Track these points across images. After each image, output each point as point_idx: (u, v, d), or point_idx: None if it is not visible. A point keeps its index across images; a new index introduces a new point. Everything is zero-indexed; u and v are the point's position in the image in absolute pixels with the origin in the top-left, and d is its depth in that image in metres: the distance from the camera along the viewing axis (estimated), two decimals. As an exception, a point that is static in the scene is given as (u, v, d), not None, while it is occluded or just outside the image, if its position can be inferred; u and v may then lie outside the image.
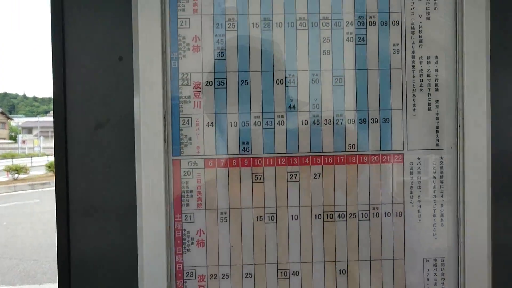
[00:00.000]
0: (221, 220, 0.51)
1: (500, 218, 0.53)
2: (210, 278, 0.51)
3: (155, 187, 0.49)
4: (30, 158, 15.91)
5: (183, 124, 0.50)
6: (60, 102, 0.52)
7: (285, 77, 0.51)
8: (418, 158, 0.52)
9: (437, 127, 0.52)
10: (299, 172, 0.51)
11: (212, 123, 0.50)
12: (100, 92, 0.52)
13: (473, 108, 0.51)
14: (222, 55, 0.51)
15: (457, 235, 0.52)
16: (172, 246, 0.50)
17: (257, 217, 0.51)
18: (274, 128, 0.51)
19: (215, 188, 0.51)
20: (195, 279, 0.51)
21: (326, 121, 0.51)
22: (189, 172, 0.50)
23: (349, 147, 0.51)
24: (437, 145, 0.52)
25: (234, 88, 0.51)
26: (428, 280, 0.52)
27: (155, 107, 0.49)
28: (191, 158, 0.50)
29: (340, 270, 0.51)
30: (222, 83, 0.51)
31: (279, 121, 0.51)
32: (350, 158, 0.51)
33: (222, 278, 0.51)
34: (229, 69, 0.51)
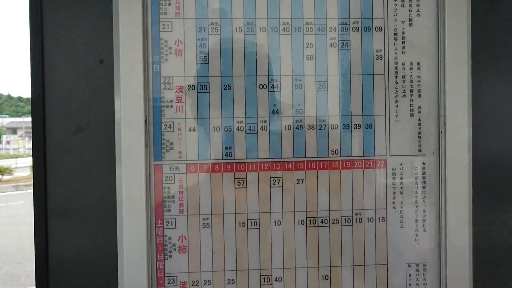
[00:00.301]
0: (203, 226, 0.50)
1: (481, 222, 0.53)
2: (192, 285, 0.50)
3: (136, 192, 0.48)
4: (15, 159, 15.64)
5: (165, 128, 0.50)
6: (39, 104, 0.51)
7: (269, 81, 0.51)
8: (401, 164, 0.52)
9: (420, 132, 0.52)
10: (282, 177, 0.51)
11: (194, 127, 0.50)
12: (80, 95, 0.51)
13: (455, 114, 0.51)
14: (204, 59, 0.50)
15: (439, 240, 0.52)
16: (153, 252, 0.49)
17: (239, 222, 0.50)
18: (257, 133, 0.50)
19: (197, 194, 0.50)
20: (176, 285, 0.50)
21: (310, 126, 0.51)
22: (170, 177, 0.50)
23: (332, 152, 0.51)
24: (420, 150, 0.52)
25: (217, 92, 0.50)
26: (410, 285, 0.52)
27: (137, 111, 0.48)
28: (173, 163, 0.50)
29: (323, 276, 0.51)
30: (205, 88, 0.50)
31: (262, 126, 0.50)
32: (333, 163, 0.51)
33: (204, 284, 0.50)
34: (212, 74, 0.50)
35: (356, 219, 0.51)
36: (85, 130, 0.51)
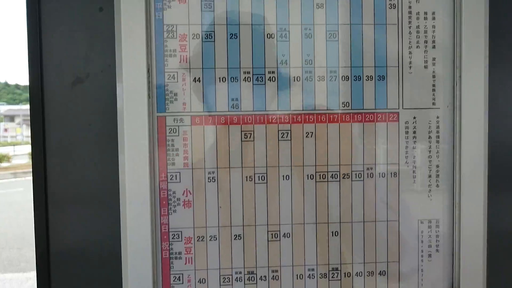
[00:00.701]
0: (209, 180, 0.48)
1: (496, 179, 0.52)
2: (197, 240, 0.48)
3: (139, 144, 0.46)
4: (13, 146, 15.57)
5: (168, 79, 0.47)
6: (36, 57, 0.48)
7: (277, 30, 0.48)
8: (414, 117, 0.50)
9: (434, 85, 0.50)
10: (290, 130, 0.49)
11: (199, 78, 0.48)
12: (79, 45, 0.49)
13: (471, 66, 0.49)
14: (209, 6, 0.48)
15: (452, 196, 0.50)
16: (157, 207, 0.48)
17: (246, 177, 0.48)
18: (265, 84, 0.48)
19: (203, 147, 0.48)
20: (181, 241, 0.48)
21: (319, 78, 0.49)
22: (174, 129, 0.48)
23: (343, 105, 0.49)
24: (434, 104, 0.50)
25: (222, 41, 0.48)
26: (422, 242, 0.51)
27: (138, 61, 0.46)
28: (177, 115, 0.48)
29: (332, 232, 0.50)
30: (210, 37, 0.48)
31: (270, 77, 0.48)
32: (344, 116, 0.49)
33: (210, 240, 0.48)
34: (218, 22, 0.48)
35: (367, 174, 0.50)
36: (84, 82, 0.49)
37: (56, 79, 0.48)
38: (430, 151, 0.50)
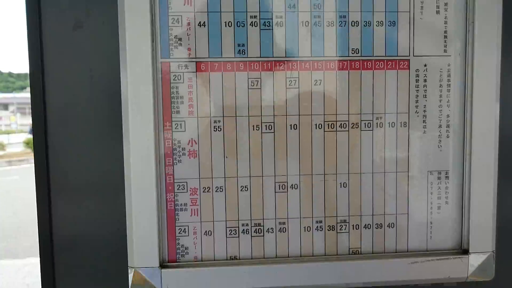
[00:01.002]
0: (215, 129, 0.47)
1: (508, 129, 0.51)
2: (203, 191, 0.47)
3: (142, 92, 0.45)
4: (7, 135, 15.45)
5: (172, 23, 0.45)
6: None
7: (284, -26, 0.46)
8: (425, 65, 0.48)
9: (445, 31, 0.48)
10: (299, 77, 0.47)
11: (204, 22, 0.46)
12: (78, -11, 0.47)
13: (484, 10, 0.47)
14: None
15: (463, 147, 0.49)
16: (161, 157, 0.46)
17: (253, 126, 0.47)
18: (272, 29, 0.46)
19: (208, 94, 0.46)
20: (186, 192, 0.47)
21: (329, 23, 0.47)
22: (179, 76, 0.46)
23: (353, 52, 0.47)
24: (445, 51, 0.48)
25: (228, -15, 0.46)
26: (432, 193, 0.50)
27: (141, 4, 0.44)
28: (181, 61, 0.46)
29: (341, 183, 0.48)
30: (215, -20, 0.46)
31: (277, 21, 0.46)
32: (353, 63, 0.48)
33: (216, 191, 0.47)
34: (223, -36, 0.46)
35: (377, 123, 0.48)
36: (84, 25, 0.47)
37: (56, 23, 0.46)
38: (440, 101, 0.49)
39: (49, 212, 0.47)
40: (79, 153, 0.47)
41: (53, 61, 0.47)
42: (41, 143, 0.47)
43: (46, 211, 0.47)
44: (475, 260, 0.49)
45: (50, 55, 0.46)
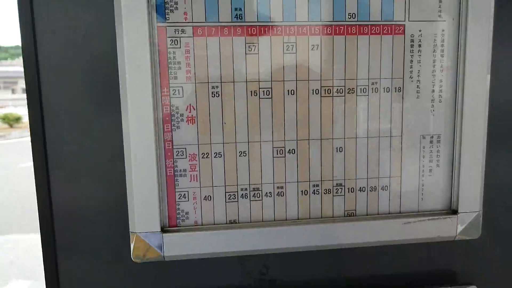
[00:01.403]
0: (213, 95, 0.47)
1: (498, 91, 0.52)
2: (202, 157, 0.48)
3: (139, 57, 0.44)
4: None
5: (167, -14, 0.44)
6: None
7: None
8: (420, 30, 0.49)
9: (440, -3, 0.49)
10: (296, 42, 0.47)
11: (200, -15, 0.45)
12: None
13: (478, -24, 0.48)
14: None
15: (454, 111, 0.51)
16: (160, 123, 0.46)
17: (251, 91, 0.47)
18: (270, -7, 0.46)
19: (206, 60, 0.46)
20: (185, 158, 0.47)
21: (326, -13, 0.47)
22: (176, 41, 0.45)
23: (349, 17, 0.47)
24: (440, 16, 0.49)
25: None
26: (424, 157, 0.51)
27: (135, -34, 0.43)
28: (178, 26, 0.45)
29: (337, 148, 0.49)
30: None
31: (274, -15, 0.46)
32: (350, 28, 0.48)
33: (215, 157, 0.48)
34: None
35: (372, 88, 0.49)
36: (77, -11, 0.45)
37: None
38: (434, 66, 0.50)
39: (47, 179, 0.47)
40: (76, 121, 0.47)
41: (45, 28, 0.45)
42: (37, 113, 0.46)
43: (45, 180, 0.47)
44: (463, 220, 0.51)
45: (41, 22, 0.45)
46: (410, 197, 0.52)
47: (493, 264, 0.56)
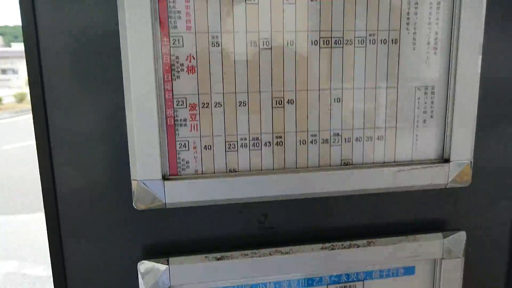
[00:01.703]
0: (213, 45, 0.47)
1: (492, 48, 0.53)
2: (202, 107, 0.48)
3: (138, 5, 0.44)
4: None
5: None
6: None
7: None
8: (417, -19, 0.49)
9: None
10: (295, -8, 0.47)
11: None
12: None
13: None
14: None
15: (448, 64, 0.52)
16: (160, 72, 0.47)
17: (251, 42, 0.48)
18: None
19: (206, 9, 0.46)
20: (186, 107, 0.48)
21: None
22: (175, -11, 0.45)
23: (348, -34, 0.48)
24: (437, -33, 0.49)
25: None
26: (418, 108, 0.53)
27: None
28: (177, -27, 0.45)
29: (335, 98, 0.51)
30: None
31: None
32: (348, -22, 0.48)
33: (215, 106, 0.49)
34: None
35: (370, 40, 0.50)
36: None
37: None
38: (430, 18, 0.51)
39: (47, 127, 0.47)
40: (78, 70, 0.47)
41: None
42: (35, 64, 0.46)
43: (44, 124, 0.47)
44: (454, 168, 0.53)
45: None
46: (404, 146, 0.53)
47: (481, 211, 0.59)
